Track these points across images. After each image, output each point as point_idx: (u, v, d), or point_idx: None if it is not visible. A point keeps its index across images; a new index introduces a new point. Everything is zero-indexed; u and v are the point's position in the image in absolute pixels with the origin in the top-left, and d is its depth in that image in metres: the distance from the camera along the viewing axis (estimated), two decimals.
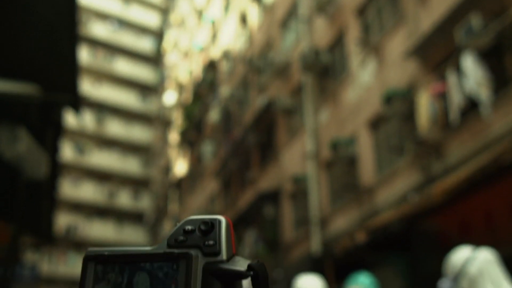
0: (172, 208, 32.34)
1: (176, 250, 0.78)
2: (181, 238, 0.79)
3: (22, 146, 3.75)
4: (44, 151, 4.57)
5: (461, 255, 3.39)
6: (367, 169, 13.34)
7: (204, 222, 0.79)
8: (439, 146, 10.67)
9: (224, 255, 0.77)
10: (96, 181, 39.94)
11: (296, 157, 16.90)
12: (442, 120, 10.48)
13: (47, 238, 12.97)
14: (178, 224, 0.81)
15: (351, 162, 14.05)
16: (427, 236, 10.39)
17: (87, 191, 39.00)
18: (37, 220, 8.96)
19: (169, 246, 0.79)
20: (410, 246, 11.02)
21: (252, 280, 0.76)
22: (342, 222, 14.10)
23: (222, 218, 0.80)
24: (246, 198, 20.08)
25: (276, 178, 18.35)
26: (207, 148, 25.09)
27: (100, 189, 39.74)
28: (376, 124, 13.15)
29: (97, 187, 39.59)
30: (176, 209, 31.38)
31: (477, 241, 9.49)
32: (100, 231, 38.43)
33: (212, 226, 0.79)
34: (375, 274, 7.70)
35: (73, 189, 37.75)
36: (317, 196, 15.52)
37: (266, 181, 19.08)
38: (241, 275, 0.76)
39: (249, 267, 0.77)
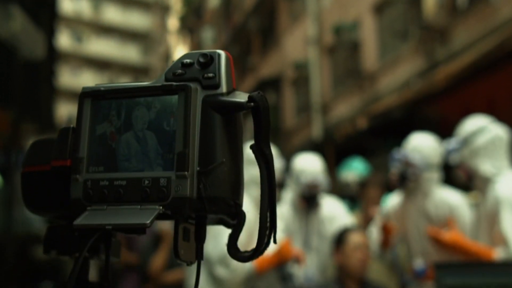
0: None
1: (174, 83, 0.73)
2: (179, 71, 0.75)
3: (17, 24, 3.62)
4: (40, 31, 4.42)
5: (477, 123, 3.35)
6: (370, 54, 13.18)
7: (203, 54, 0.75)
8: (444, 31, 10.45)
9: (224, 88, 0.74)
10: (95, 70, 39.72)
11: (298, 43, 16.66)
12: (449, 4, 10.20)
13: (49, 126, 13.01)
14: (176, 59, 0.77)
15: (354, 48, 13.86)
16: (429, 122, 10.39)
17: (87, 80, 38.82)
18: (37, 107, 8.92)
19: (167, 79, 0.75)
20: (411, 132, 11.06)
21: (252, 112, 0.74)
22: (343, 108, 14.12)
23: (221, 52, 0.76)
24: (246, 85, 20.01)
25: (277, 65, 18.19)
26: (207, 35, 24.74)
27: (100, 78, 39.56)
28: (380, 8, 12.83)
29: (96, 76, 39.41)
30: None
31: None
32: None
33: (211, 59, 0.75)
34: (376, 160, 7.77)
35: (73, 78, 37.58)
36: (319, 82, 15.44)
37: (267, 68, 18.95)
38: (242, 107, 0.74)
39: (250, 98, 0.74)
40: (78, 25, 39.50)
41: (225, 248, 2.35)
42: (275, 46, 18.53)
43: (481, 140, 3.22)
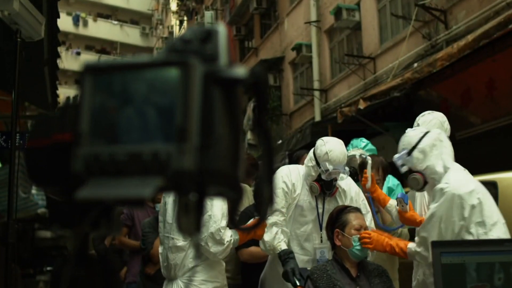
0: None
1: (174, 57, 0.75)
2: (180, 46, 0.76)
3: (17, 5, 3.60)
4: (41, 13, 4.40)
5: (417, 132, 3.56)
6: (370, 37, 13.13)
7: (203, 29, 0.77)
8: (445, 13, 10.42)
9: (223, 62, 0.76)
10: (97, 53, 39.62)
11: (299, 25, 16.59)
12: None
13: (51, 108, 13.01)
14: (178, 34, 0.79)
15: (355, 30, 13.80)
16: (429, 104, 10.37)
17: None
18: (39, 89, 8.90)
19: (167, 54, 0.76)
20: (411, 114, 11.01)
21: (252, 86, 0.76)
22: (344, 90, 14.09)
23: (221, 26, 0.78)
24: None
25: (278, 47, 18.13)
26: (208, 17, 24.64)
27: None
28: None
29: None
30: None
31: (478, 110, 9.47)
32: None
33: (211, 33, 0.77)
34: (376, 142, 7.76)
35: (75, 62, 37.51)
36: (320, 64, 15.40)
37: (268, 50, 18.88)
38: (242, 81, 0.75)
39: (250, 72, 0.76)
40: (80, 7, 39.38)
41: (214, 226, 2.46)
42: (276, 29, 18.44)
43: (427, 140, 3.46)
